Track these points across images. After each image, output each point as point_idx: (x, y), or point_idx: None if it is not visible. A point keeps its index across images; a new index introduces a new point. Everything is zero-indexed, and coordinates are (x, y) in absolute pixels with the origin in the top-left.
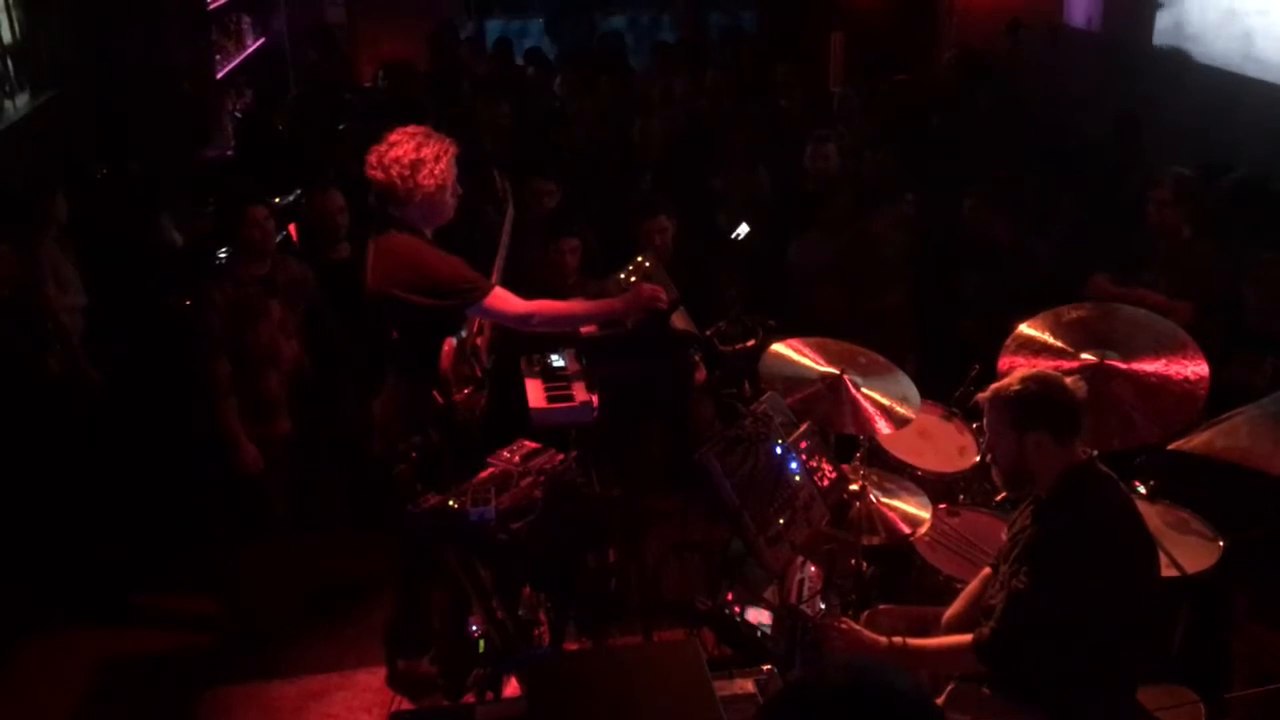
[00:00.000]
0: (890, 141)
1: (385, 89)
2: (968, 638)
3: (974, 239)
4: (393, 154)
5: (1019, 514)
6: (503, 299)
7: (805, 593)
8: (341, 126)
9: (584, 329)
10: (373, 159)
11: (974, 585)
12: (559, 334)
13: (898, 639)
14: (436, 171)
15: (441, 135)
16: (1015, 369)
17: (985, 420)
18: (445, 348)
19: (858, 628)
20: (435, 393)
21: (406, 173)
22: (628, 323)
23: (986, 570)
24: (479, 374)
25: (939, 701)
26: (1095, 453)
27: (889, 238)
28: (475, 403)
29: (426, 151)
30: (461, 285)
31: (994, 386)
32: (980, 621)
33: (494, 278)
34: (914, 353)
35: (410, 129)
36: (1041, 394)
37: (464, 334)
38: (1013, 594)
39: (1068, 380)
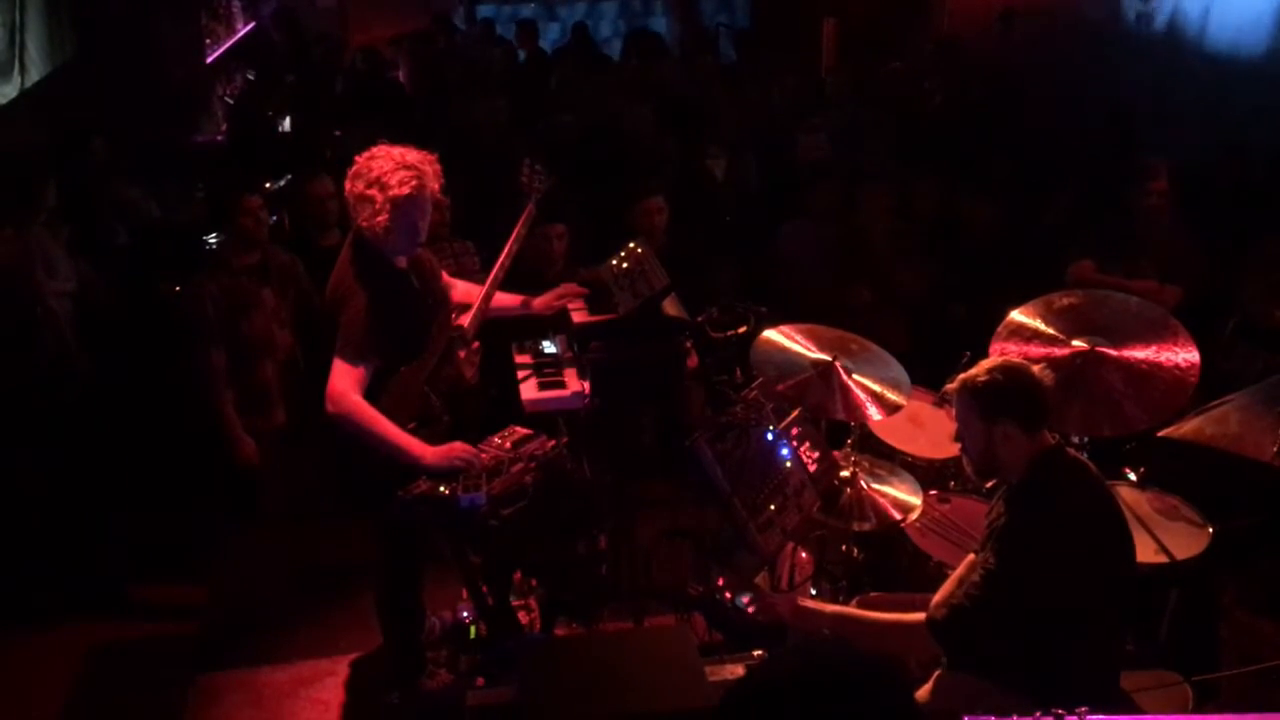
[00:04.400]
0: (885, 129)
1: (363, 73)
2: (919, 616)
3: (961, 225)
4: (354, 170)
5: (995, 501)
6: (339, 372)
7: (796, 578)
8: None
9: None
10: (350, 169)
11: (960, 571)
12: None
13: (846, 609)
14: (368, 208)
15: (416, 163)
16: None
17: (954, 410)
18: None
19: (801, 599)
20: None
21: (351, 200)
22: (620, 310)
23: (972, 556)
24: (437, 406)
25: (927, 688)
26: (1082, 440)
27: (880, 225)
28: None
29: (384, 191)
30: (341, 334)
31: (961, 377)
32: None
33: (490, 284)
34: (906, 339)
35: (396, 154)
36: (1008, 384)
37: (410, 367)
38: (981, 577)
39: (1035, 369)
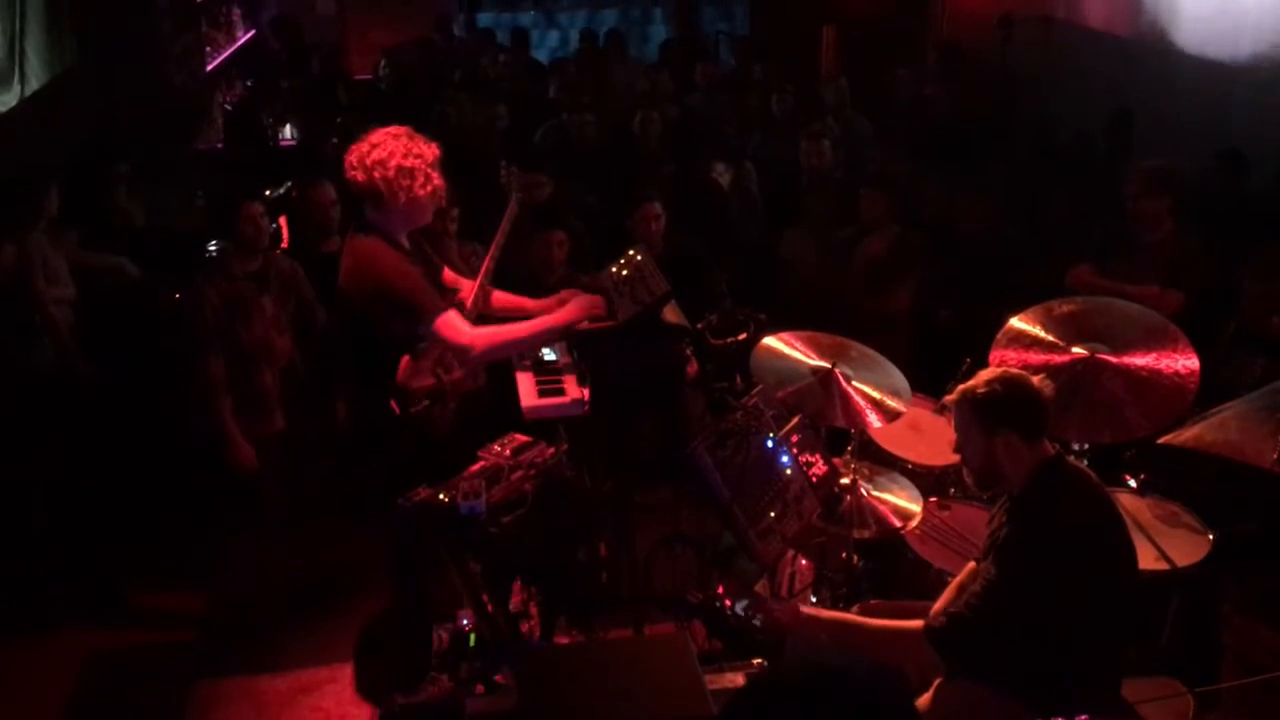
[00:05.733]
0: (893, 137)
1: (387, 78)
2: (919, 623)
3: (956, 230)
4: (375, 156)
5: (996, 510)
6: (449, 326)
7: (796, 585)
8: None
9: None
10: (353, 159)
11: (961, 578)
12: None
13: (846, 615)
14: (421, 177)
15: (424, 138)
16: (1006, 363)
17: (954, 422)
18: (402, 360)
19: (802, 606)
20: (392, 402)
21: (391, 176)
22: (617, 318)
23: (973, 564)
24: (444, 384)
25: (927, 696)
26: (1082, 447)
27: (881, 230)
28: (435, 415)
29: (414, 160)
30: (412, 304)
31: (960, 388)
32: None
33: (482, 274)
34: (906, 345)
35: (393, 130)
36: (1007, 395)
37: (422, 346)
38: (982, 587)
39: (1034, 379)
